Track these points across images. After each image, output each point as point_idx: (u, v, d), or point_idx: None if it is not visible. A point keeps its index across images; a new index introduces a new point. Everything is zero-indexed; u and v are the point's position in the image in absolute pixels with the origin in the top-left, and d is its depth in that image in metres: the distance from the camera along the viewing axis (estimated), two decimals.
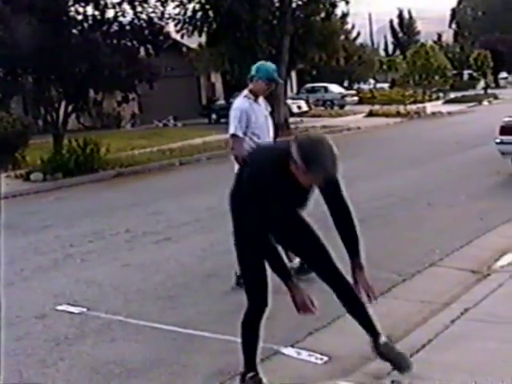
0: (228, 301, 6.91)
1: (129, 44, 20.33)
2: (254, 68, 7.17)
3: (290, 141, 4.21)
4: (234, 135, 7.09)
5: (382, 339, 4.67)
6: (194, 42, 31.03)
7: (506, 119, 14.11)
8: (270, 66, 7.27)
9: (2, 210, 12.01)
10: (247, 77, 7.20)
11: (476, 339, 5.24)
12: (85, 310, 6.88)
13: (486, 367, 4.71)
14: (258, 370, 4.72)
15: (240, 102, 7.19)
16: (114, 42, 19.90)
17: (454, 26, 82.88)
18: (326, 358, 5.32)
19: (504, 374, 4.61)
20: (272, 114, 7.63)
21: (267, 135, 7.18)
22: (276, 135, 7.61)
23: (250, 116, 7.05)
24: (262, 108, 7.27)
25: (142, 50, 20.71)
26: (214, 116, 37.40)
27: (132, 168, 19.20)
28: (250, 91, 7.16)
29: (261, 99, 7.27)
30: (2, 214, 11.46)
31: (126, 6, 20.05)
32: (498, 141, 13.83)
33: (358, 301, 4.65)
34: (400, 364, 4.64)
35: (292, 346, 5.58)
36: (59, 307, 6.99)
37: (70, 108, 20.31)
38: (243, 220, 4.40)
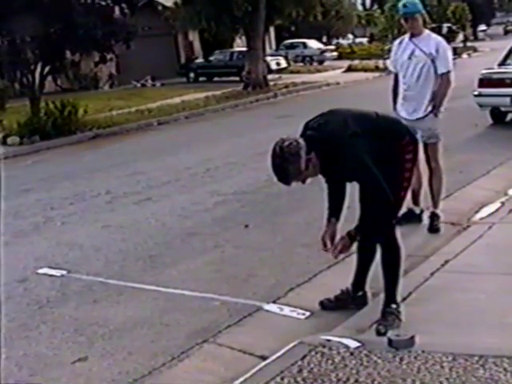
0: (208, 259, 6.94)
1: (103, 3, 20.02)
2: None
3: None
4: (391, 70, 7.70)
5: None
6: (169, 0, 30.67)
7: (484, 72, 14.11)
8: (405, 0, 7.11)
9: None
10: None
11: (455, 290, 5.28)
12: (66, 272, 6.85)
13: (465, 317, 4.76)
14: None
15: None
16: (88, 1, 19.60)
17: None
18: (308, 314, 5.34)
19: (482, 323, 4.66)
20: (430, 54, 7.02)
21: (410, 75, 7.14)
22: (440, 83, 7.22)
23: (394, 54, 7.37)
24: (412, 46, 7.09)
25: (116, 9, 20.42)
26: (192, 75, 37.04)
27: (110, 129, 19.01)
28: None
29: (423, 38, 7.09)
30: None
31: None
32: (476, 93, 13.84)
33: None
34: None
35: (274, 302, 5.60)
36: (40, 270, 6.95)
37: (46, 70, 20.00)
38: None
